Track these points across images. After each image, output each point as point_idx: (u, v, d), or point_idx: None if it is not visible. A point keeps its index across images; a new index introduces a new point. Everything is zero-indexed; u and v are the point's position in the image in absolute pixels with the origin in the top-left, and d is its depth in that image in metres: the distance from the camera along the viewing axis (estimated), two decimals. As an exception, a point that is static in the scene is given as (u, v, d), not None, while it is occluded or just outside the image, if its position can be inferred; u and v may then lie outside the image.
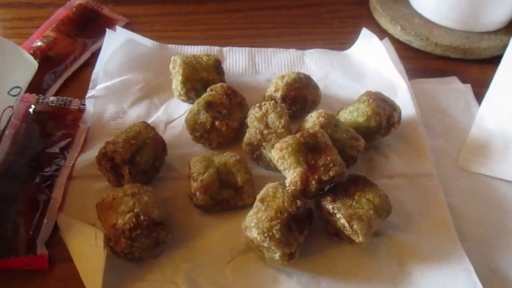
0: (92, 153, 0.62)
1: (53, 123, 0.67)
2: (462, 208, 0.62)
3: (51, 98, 0.71)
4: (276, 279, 0.52)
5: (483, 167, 0.67)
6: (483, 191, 0.65)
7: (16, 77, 0.59)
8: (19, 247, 0.53)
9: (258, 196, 0.54)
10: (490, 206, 0.63)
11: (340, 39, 0.91)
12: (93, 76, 0.74)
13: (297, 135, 0.55)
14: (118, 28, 0.82)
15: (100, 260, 0.49)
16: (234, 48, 0.85)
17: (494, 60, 0.83)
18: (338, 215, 0.52)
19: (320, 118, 0.60)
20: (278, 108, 0.62)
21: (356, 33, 0.87)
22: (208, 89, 0.67)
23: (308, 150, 0.55)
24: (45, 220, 0.56)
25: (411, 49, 0.91)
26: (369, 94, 0.66)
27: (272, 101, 0.64)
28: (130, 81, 0.75)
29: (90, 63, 0.80)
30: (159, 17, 0.95)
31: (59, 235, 0.55)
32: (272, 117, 0.61)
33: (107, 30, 0.81)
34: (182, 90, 0.70)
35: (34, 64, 0.62)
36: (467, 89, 0.80)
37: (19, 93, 0.60)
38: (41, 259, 0.53)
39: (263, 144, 0.61)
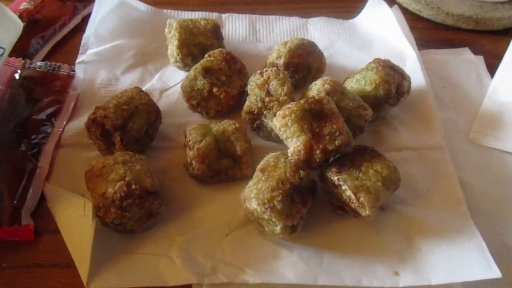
0: (81, 121, 0.58)
1: (40, 89, 0.63)
2: (473, 182, 0.59)
3: (39, 63, 0.67)
4: (277, 253, 0.49)
5: (495, 141, 0.64)
6: (495, 165, 0.61)
7: (-2, 36, 0.54)
8: (2, 217, 0.50)
9: (259, 166, 0.51)
10: (503, 181, 0.60)
11: (346, 7, 0.87)
12: (83, 41, 0.70)
13: (301, 101, 0.51)
14: (110, -10, 0.77)
15: (88, 232, 0.46)
16: (234, 14, 0.80)
17: (508, 31, 0.80)
18: (343, 187, 0.49)
19: (326, 85, 0.56)
20: (281, 75, 0.58)
21: (363, 2, 0.82)
22: (206, 55, 0.63)
23: (313, 118, 0.51)
24: (31, 190, 0.52)
25: (420, 19, 0.86)
26: (377, 61, 0.62)
27: (274, 68, 0.60)
28: (123, 47, 0.70)
29: (80, 28, 0.76)
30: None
31: (46, 206, 0.52)
32: (274, 84, 0.57)
33: (99, -8, 0.76)
34: (178, 55, 0.65)
35: (19, 24, 0.58)
36: (479, 60, 0.76)
37: (3, 54, 0.56)
38: (26, 230, 0.50)
39: (264, 112, 0.57)
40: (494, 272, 0.48)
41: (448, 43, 0.81)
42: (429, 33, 0.84)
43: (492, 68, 0.74)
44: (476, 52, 0.78)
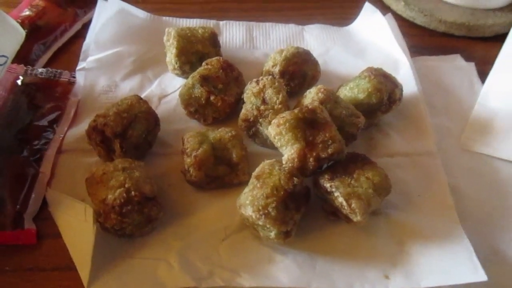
0: (82, 127, 0.60)
1: (41, 95, 0.65)
2: (463, 188, 0.60)
3: (40, 70, 0.68)
4: (272, 258, 0.51)
5: (486, 147, 0.65)
6: (486, 172, 0.63)
7: (1, 45, 0.56)
8: (5, 221, 0.51)
9: (254, 173, 0.52)
10: (492, 187, 0.61)
11: (341, 14, 0.88)
12: (84, 48, 0.72)
13: (296, 110, 0.53)
14: (110, -2, 0.78)
15: (89, 236, 0.48)
16: (231, 21, 0.82)
17: (499, 38, 0.81)
18: (336, 194, 0.51)
19: (319, 94, 0.58)
20: (276, 83, 0.60)
21: (358, 9, 0.84)
22: (203, 63, 0.65)
23: (307, 126, 0.52)
24: (33, 195, 0.54)
25: (414, 26, 0.88)
26: (370, 70, 0.64)
27: (270, 76, 0.62)
28: (123, 54, 0.72)
29: (81, 35, 0.77)
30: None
31: (48, 210, 0.54)
32: (269, 93, 0.59)
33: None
34: (176, 63, 0.67)
35: (21, 32, 0.60)
36: (470, 67, 0.78)
37: (5, 62, 0.57)
38: (28, 234, 0.51)
39: (260, 120, 0.58)
40: (480, 275, 0.49)
41: (440, 50, 0.82)
42: (422, 39, 0.86)
43: (483, 74, 0.75)
44: (468, 58, 0.80)
